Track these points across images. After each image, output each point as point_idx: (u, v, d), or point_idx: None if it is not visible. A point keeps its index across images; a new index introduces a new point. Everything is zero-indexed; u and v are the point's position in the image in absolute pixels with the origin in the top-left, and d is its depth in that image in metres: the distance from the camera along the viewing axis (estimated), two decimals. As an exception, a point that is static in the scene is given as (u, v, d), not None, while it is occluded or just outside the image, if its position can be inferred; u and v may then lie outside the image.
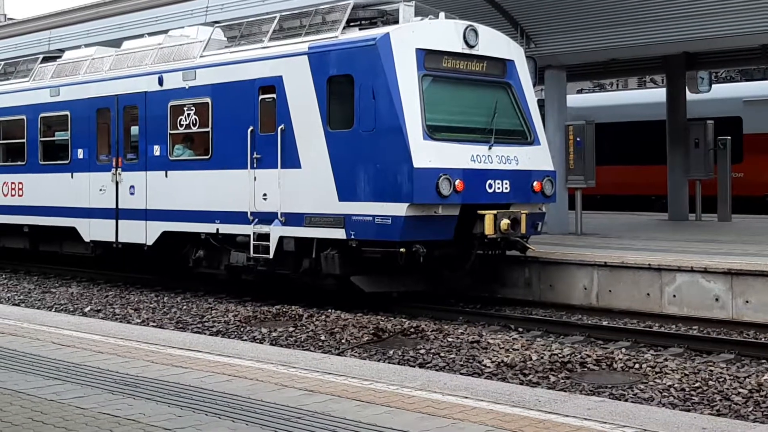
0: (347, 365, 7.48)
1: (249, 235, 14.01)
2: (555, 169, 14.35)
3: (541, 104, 27.95)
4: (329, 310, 12.92)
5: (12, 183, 18.70)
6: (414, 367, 9.42)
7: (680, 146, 22.80)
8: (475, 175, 12.98)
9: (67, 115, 17.44)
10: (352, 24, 13.76)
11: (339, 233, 12.96)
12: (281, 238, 13.64)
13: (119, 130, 16.43)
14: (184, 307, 14.15)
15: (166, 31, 17.36)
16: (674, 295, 12.97)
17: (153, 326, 12.31)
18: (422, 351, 10.49)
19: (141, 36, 17.88)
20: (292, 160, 13.56)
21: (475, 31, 13.54)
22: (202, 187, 14.82)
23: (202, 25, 16.83)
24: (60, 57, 18.78)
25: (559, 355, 9.84)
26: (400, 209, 12.42)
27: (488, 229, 12.87)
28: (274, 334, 11.76)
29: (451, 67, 13.36)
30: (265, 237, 13.81)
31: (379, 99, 12.61)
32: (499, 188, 13.26)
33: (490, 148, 13.28)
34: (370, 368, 7.41)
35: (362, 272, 13.19)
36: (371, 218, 12.66)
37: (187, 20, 19.86)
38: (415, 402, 6.12)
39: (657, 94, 26.79)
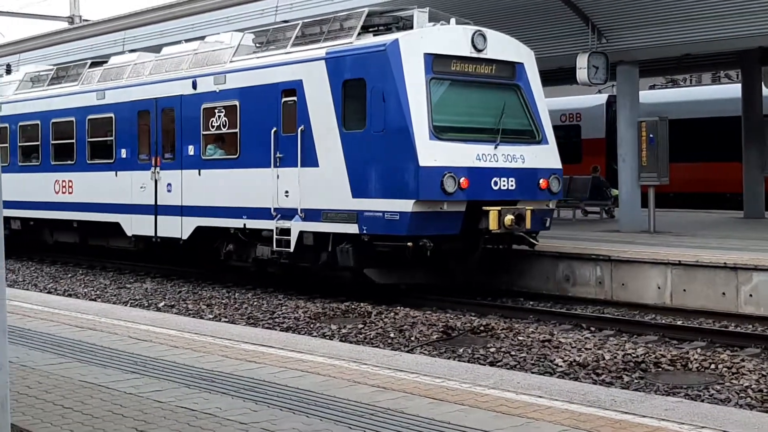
0: (418, 363, 7.52)
1: (272, 230, 15.08)
2: (561, 167, 15.03)
3: (612, 100, 27.53)
4: (398, 308, 13.02)
5: (63, 181, 20.08)
6: (484, 365, 9.40)
7: (756, 142, 22.46)
8: (481, 173, 13.82)
9: (111, 117, 18.79)
10: (369, 30, 14.69)
11: (352, 228, 13.94)
12: (301, 233, 14.70)
13: (158, 131, 17.69)
14: (255, 303, 14.44)
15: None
16: (751, 295, 12.77)
17: (225, 321, 12.58)
18: (492, 349, 10.52)
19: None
20: (310, 159, 14.56)
21: (483, 36, 14.33)
22: (231, 185, 15.99)
23: (236, 31, 18.03)
24: (106, 62, 20.22)
25: (633, 355, 9.80)
26: (406, 205, 13.33)
27: (492, 224, 13.68)
28: (344, 330, 11.90)
29: (459, 70, 14.19)
30: (287, 232, 14.87)
31: (389, 101, 13.54)
32: (504, 186, 14.03)
33: (495, 148, 14.05)
34: (442, 366, 7.43)
35: (375, 265, 14.16)
36: (381, 214, 13.58)
37: (257, 20, 20.30)
38: (489, 400, 6.13)
39: (732, 90, 26.20)
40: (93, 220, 19.24)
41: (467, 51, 14.11)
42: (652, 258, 13.98)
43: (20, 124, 21.33)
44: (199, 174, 16.56)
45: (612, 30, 18.72)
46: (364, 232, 13.72)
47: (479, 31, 14.27)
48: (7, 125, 21.59)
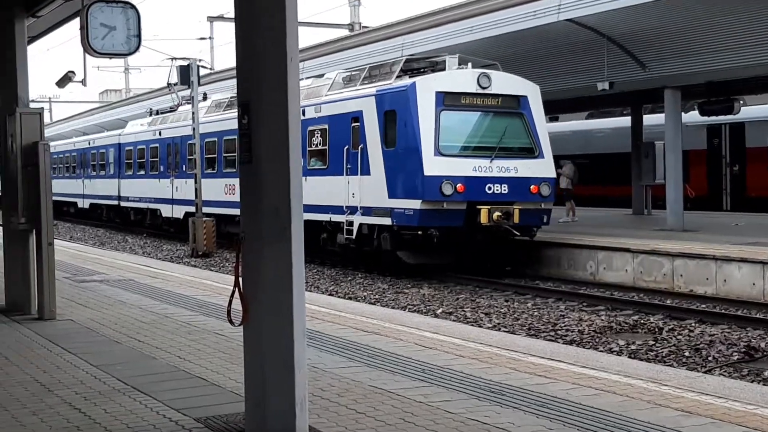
0: (726, 387, 7.09)
1: (344, 223, 20.72)
2: (554, 176, 19.72)
3: None
4: (692, 324, 12.39)
5: (229, 184, 26.62)
6: (795, 392, 8.64)
7: None
8: (476, 181, 18.70)
9: None
10: (414, 71, 20.10)
11: (388, 221, 19.37)
12: (360, 224, 20.28)
13: None
14: (535, 313, 14.42)
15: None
16: None
17: (505, 331, 12.53)
18: (804, 374, 9.65)
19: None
20: (366, 169, 20.12)
21: (488, 77, 19.23)
22: (323, 188, 21.68)
23: (342, 71, 23.55)
24: None
25: None
26: (416, 204, 18.62)
27: (483, 219, 18.44)
28: (633, 346, 11.61)
29: (468, 103, 19.20)
30: (352, 224, 20.48)
31: (408, 127, 18.95)
32: (498, 190, 18.73)
33: (491, 161, 18.81)
34: (753, 391, 7.00)
35: (405, 249, 19.43)
36: (403, 210, 18.89)
37: (539, 19, 20.35)
38: (812, 434, 5.58)
39: None
40: None
41: (473, 88, 19.07)
42: None
43: (205, 141, 28.24)
44: (306, 180, 22.12)
45: None
46: (395, 223, 19.10)
47: (484, 73, 19.24)
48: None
